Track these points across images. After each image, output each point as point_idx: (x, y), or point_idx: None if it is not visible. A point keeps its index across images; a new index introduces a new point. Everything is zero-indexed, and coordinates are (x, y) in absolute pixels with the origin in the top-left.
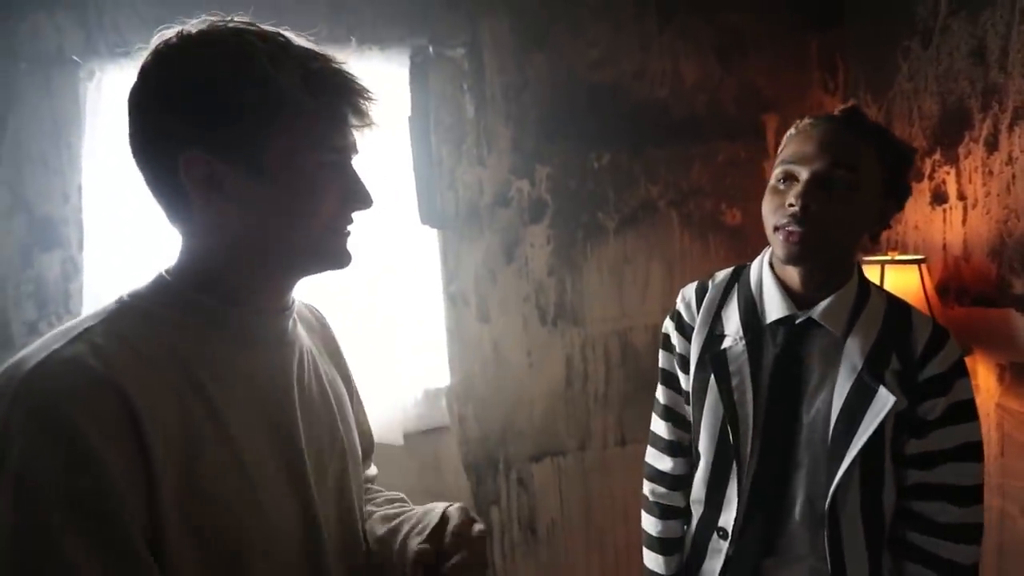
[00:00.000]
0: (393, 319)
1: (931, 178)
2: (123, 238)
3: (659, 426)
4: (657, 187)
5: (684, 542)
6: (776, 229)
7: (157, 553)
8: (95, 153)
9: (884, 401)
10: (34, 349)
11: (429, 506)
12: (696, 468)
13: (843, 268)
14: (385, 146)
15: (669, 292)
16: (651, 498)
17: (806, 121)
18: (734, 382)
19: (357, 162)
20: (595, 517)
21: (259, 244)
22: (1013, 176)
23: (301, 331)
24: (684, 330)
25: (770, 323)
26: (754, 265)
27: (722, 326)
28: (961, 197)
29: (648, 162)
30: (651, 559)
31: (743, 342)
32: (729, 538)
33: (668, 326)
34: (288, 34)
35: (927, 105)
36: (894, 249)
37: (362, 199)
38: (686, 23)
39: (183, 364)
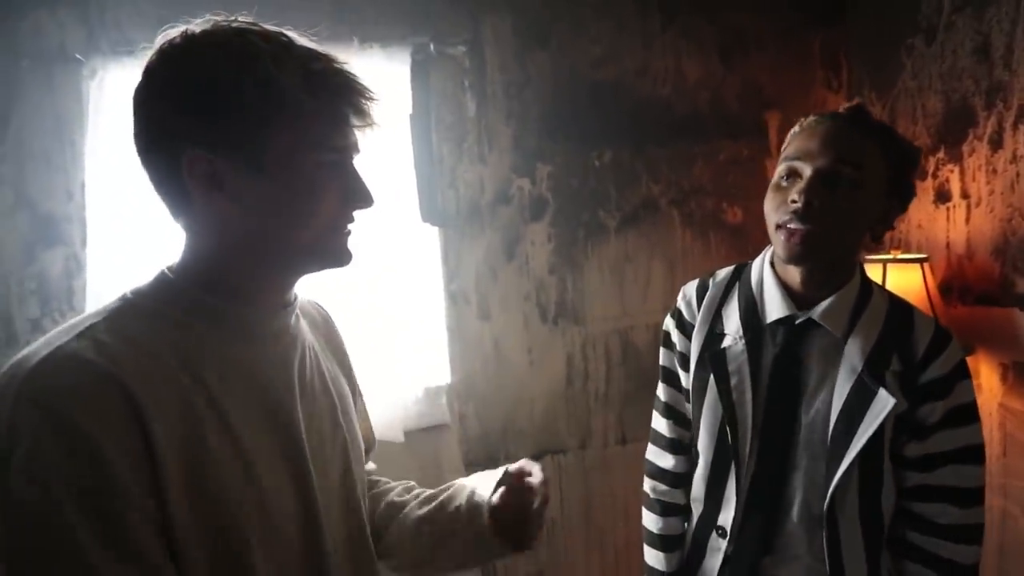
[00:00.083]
0: (394, 317)
1: (935, 176)
2: (126, 235)
3: (660, 424)
4: (659, 185)
5: (685, 539)
6: (778, 227)
7: (170, 550)
8: (98, 151)
9: (884, 403)
10: (38, 346)
11: (478, 474)
12: (696, 466)
13: (845, 268)
14: (386, 144)
15: (670, 291)
16: (652, 495)
17: (811, 119)
18: (733, 381)
19: (359, 161)
20: (595, 516)
21: (260, 242)
22: (1017, 174)
23: (304, 327)
24: (685, 328)
25: (770, 323)
26: (755, 264)
27: (722, 325)
28: (965, 195)
29: (650, 160)
30: (652, 556)
31: (743, 341)
32: (728, 536)
33: (669, 324)
34: (291, 34)
35: (931, 103)
36: (897, 248)
37: (363, 198)
38: (688, 21)
39: (185, 360)
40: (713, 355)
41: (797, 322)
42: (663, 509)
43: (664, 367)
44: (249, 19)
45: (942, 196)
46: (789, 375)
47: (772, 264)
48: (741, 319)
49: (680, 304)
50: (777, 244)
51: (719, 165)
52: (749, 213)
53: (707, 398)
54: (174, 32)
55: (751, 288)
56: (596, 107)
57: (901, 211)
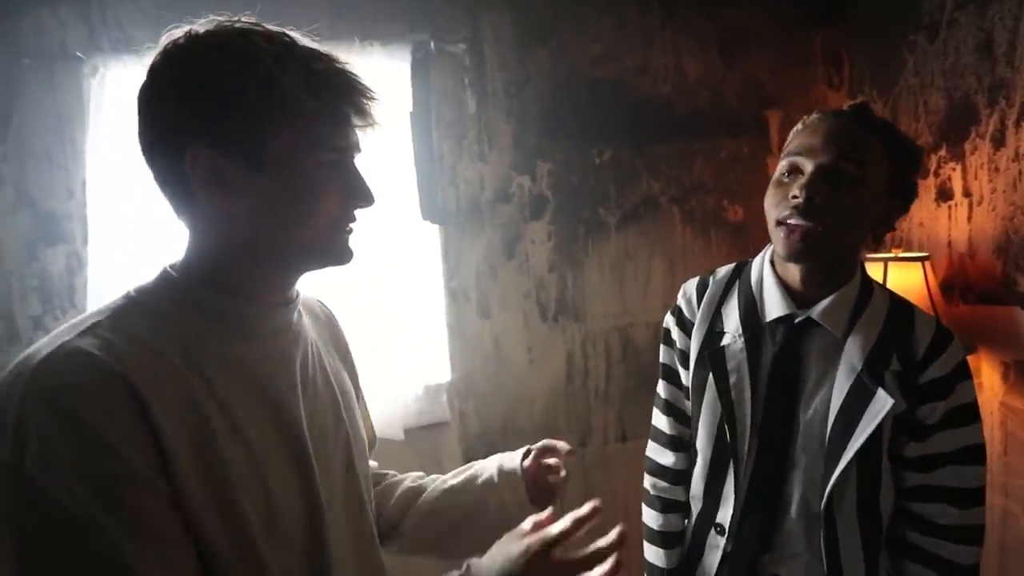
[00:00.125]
0: (394, 315)
1: (936, 174)
2: (127, 233)
3: (660, 421)
4: (659, 183)
5: (684, 536)
6: (778, 223)
7: (196, 539)
8: (99, 148)
9: (882, 403)
10: (43, 343)
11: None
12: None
13: (845, 267)
14: (386, 142)
15: (670, 288)
16: (652, 492)
17: (814, 115)
18: (732, 380)
19: (360, 160)
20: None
21: (261, 240)
22: (1020, 172)
23: (307, 324)
24: (685, 325)
25: (769, 321)
26: (755, 262)
27: (722, 323)
28: (967, 194)
29: (650, 158)
30: (652, 552)
31: (742, 340)
32: (726, 534)
33: (669, 321)
34: (294, 34)
35: (933, 100)
36: (898, 246)
37: (364, 197)
38: (689, 18)
39: (189, 358)
40: (712, 353)
41: (796, 321)
42: (663, 506)
43: (664, 364)
44: (252, 19)
45: (944, 194)
46: (788, 374)
47: (772, 262)
48: (740, 317)
49: (680, 302)
50: (776, 241)
51: (720, 163)
52: (750, 211)
53: (706, 396)
54: (178, 32)
55: (751, 286)
56: (596, 105)
57: (903, 211)
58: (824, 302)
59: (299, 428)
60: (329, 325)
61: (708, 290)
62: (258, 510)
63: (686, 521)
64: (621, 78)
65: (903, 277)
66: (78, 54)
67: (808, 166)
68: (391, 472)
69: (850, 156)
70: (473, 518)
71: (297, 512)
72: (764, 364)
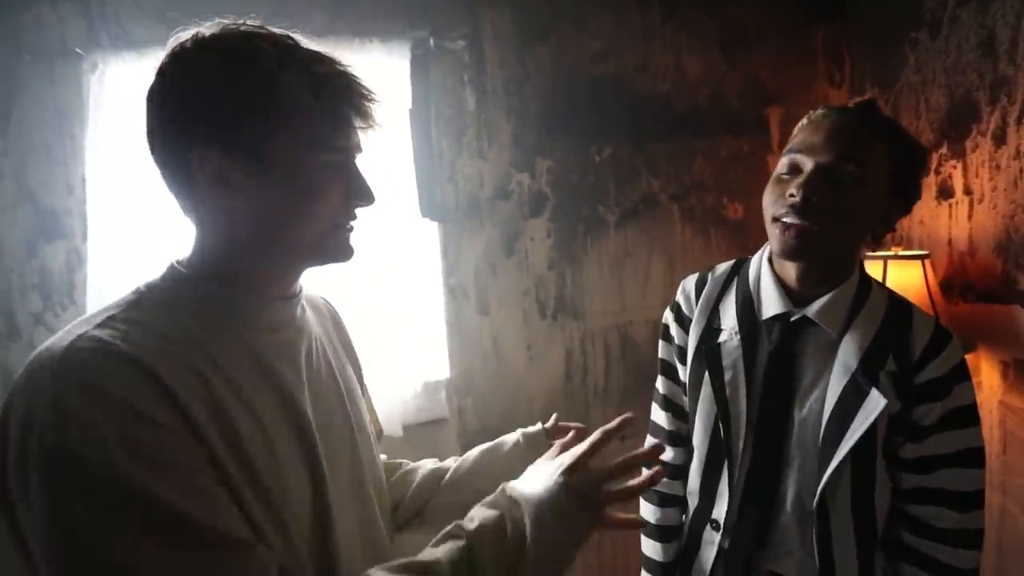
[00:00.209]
0: (393, 311)
1: (937, 172)
2: (126, 229)
3: (659, 416)
4: (659, 181)
5: (682, 530)
6: (774, 220)
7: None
8: (98, 145)
9: (875, 403)
10: (60, 336)
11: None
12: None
13: (843, 266)
14: (386, 139)
15: (670, 286)
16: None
17: (819, 112)
18: (727, 377)
19: (361, 160)
20: None
21: (263, 238)
22: (1020, 170)
23: (311, 319)
24: (683, 322)
25: (766, 319)
26: (753, 259)
27: (719, 320)
28: (967, 192)
29: (650, 156)
30: (649, 546)
31: (738, 337)
32: (722, 530)
33: (668, 317)
34: (297, 37)
35: (935, 98)
36: (898, 244)
37: (364, 196)
38: (689, 16)
39: (202, 348)
40: (708, 350)
41: (792, 319)
42: (661, 500)
43: (663, 360)
44: (257, 22)
45: (944, 192)
46: (784, 372)
47: (770, 260)
48: (737, 314)
49: (679, 298)
50: (772, 238)
51: (720, 161)
52: (750, 209)
53: (702, 392)
54: (185, 35)
55: (748, 284)
56: (596, 102)
57: (905, 212)
58: (820, 301)
59: (305, 418)
60: (333, 321)
61: (706, 287)
62: (276, 494)
63: (683, 516)
64: (621, 76)
65: (903, 275)
66: (77, 50)
67: (808, 165)
68: (404, 460)
69: (851, 156)
70: (503, 482)
71: (305, 496)
72: (760, 362)
